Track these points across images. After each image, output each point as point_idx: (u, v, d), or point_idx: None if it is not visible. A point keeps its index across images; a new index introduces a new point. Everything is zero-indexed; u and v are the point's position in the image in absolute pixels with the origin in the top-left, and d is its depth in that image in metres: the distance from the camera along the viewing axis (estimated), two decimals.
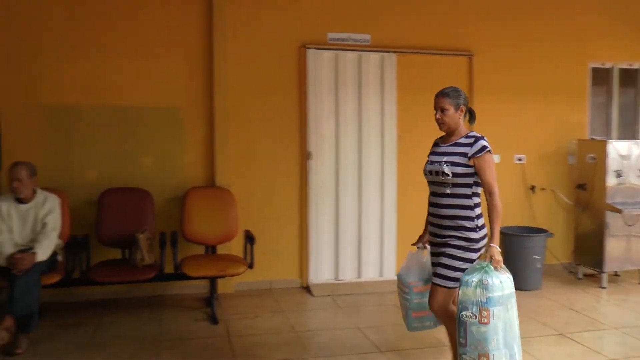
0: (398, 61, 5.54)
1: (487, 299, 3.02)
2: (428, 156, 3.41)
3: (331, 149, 5.49)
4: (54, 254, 4.32)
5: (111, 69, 5.00)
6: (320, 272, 5.53)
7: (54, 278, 4.28)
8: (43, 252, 4.10)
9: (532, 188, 6.15)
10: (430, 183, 3.37)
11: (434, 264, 3.38)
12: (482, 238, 3.25)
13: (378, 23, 5.53)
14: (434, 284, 3.31)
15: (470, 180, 3.23)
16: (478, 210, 3.24)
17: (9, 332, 3.86)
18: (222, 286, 5.16)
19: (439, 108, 3.29)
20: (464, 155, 3.23)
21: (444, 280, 3.24)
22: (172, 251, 4.66)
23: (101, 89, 5.01)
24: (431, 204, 3.38)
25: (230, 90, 5.16)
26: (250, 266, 4.73)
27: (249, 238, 4.85)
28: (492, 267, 3.06)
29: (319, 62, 5.33)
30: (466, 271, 3.15)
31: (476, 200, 3.25)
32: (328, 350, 4.01)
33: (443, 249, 3.28)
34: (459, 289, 3.09)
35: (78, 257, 4.58)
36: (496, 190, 3.18)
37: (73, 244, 4.59)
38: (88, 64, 4.96)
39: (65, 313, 4.72)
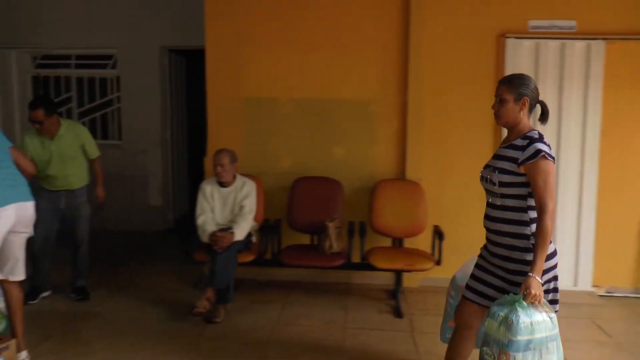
0: (606, 50, 5.00)
1: (508, 341, 2.55)
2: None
3: None
4: (249, 235, 4.61)
5: (307, 63, 5.17)
6: None
7: (249, 257, 4.57)
8: (240, 233, 4.39)
9: None
10: (485, 191, 2.89)
11: (474, 275, 2.95)
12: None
13: (585, 7, 5.02)
14: (464, 297, 2.95)
15: (523, 191, 2.70)
16: (535, 227, 2.66)
17: (210, 302, 4.25)
18: (407, 280, 5.09)
19: (498, 97, 2.81)
20: (514, 160, 2.70)
21: (478, 297, 2.87)
22: (360, 241, 4.70)
23: (298, 82, 5.20)
24: (485, 215, 2.89)
25: (424, 82, 5.05)
26: (438, 262, 4.60)
27: (438, 234, 4.72)
28: (524, 304, 2.55)
29: (518, 52, 5.01)
30: (497, 301, 2.70)
31: (534, 214, 2.68)
32: None
33: (491, 267, 2.84)
34: (486, 318, 2.69)
35: (270, 239, 4.82)
36: (550, 207, 2.58)
37: (266, 227, 4.84)
38: (286, 59, 5.18)
39: (256, 290, 5.01)
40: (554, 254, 2.76)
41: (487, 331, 2.64)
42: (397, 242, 4.97)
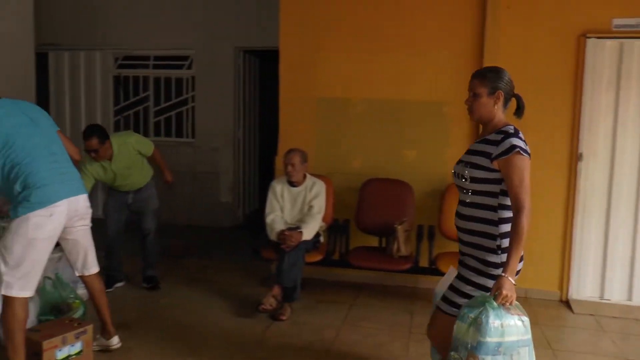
0: None
1: (477, 343, 2.41)
2: None
3: (606, 151, 4.90)
4: (317, 235, 4.63)
5: (379, 64, 5.14)
6: (583, 288, 5.01)
7: (316, 257, 4.59)
8: (308, 232, 4.41)
9: None
10: (457, 188, 2.77)
11: (451, 285, 2.78)
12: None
13: None
14: (436, 307, 2.82)
15: (495, 188, 2.57)
16: (505, 228, 2.54)
17: (276, 300, 4.29)
18: None
19: (471, 91, 2.68)
20: (488, 156, 2.57)
21: (446, 305, 2.71)
22: (428, 245, 4.65)
23: (370, 83, 5.18)
24: (455, 212, 2.76)
25: None
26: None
27: None
28: (494, 304, 2.42)
29: (600, 53, 4.78)
30: (467, 302, 2.56)
31: (505, 214, 2.56)
32: None
33: (459, 269, 2.73)
34: (455, 321, 2.54)
35: (338, 240, 4.83)
36: (526, 205, 2.45)
37: (335, 228, 4.86)
38: (359, 59, 5.16)
39: (323, 290, 5.02)
40: (517, 272, 2.58)
41: (455, 335, 2.52)
42: None
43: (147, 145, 4.93)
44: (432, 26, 5.05)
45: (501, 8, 4.87)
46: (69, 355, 3.42)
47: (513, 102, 2.76)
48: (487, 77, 2.65)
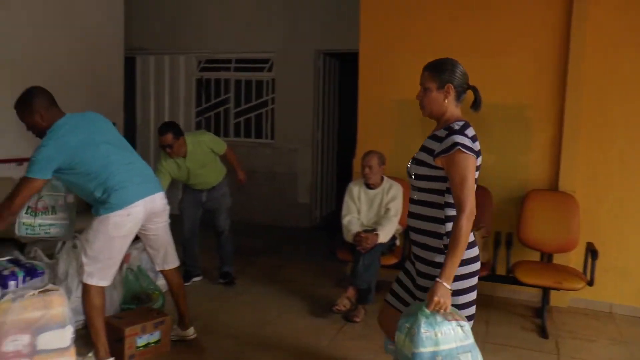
0: None
1: (412, 354, 2.29)
2: None
3: None
4: (393, 238, 4.62)
5: None
6: None
7: (391, 260, 4.58)
8: (384, 235, 4.41)
9: None
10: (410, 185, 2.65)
11: (397, 278, 2.77)
12: (458, 278, 2.41)
13: None
14: (385, 300, 2.79)
15: (441, 185, 2.44)
16: (451, 226, 2.38)
17: (351, 301, 4.33)
18: (555, 299, 4.80)
19: (422, 85, 2.56)
20: (431, 152, 2.45)
21: (393, 298, 2.71)
22: (506, 253, 4.54)
23: None
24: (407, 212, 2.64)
25: (585, 86, 4.69)
26: (590, 283, 4.29)
27: (592, 252, 4.40)
28: (427, 312, 2.29)
29: None
30: (404, 311, 2.46)
31: (451, 212, 2.41)
32: None
33: (410, 268, 2.65)
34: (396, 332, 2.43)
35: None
36: (468, 206, 2.30)
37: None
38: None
39: None
40: (474, 259, 2.49)
41: (397, 346, 2.43)
42: (546, 258, 4.72)
43: (219, 144, 5.09)
44: (511, 25, 4.91)
45: (587, 6, 4.65)
46: (148, 343, 3.60)
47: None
48: (437, 71, 2.54)
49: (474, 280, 2.51)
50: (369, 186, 4.65)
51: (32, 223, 3.84)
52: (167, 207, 3.65)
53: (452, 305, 2.37)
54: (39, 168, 3.11)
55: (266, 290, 5.03)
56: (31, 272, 3.75)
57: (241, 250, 6.09)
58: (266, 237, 7.10)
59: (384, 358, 3.69)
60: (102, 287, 3.37)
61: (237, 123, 8.16)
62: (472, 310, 2.55)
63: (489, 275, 4.44)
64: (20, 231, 3.70)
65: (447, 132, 2.44)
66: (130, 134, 8.10)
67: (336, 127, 8.48)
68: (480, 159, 2.49)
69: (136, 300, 4.16)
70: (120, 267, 4.06)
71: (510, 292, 5.00)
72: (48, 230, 3.70)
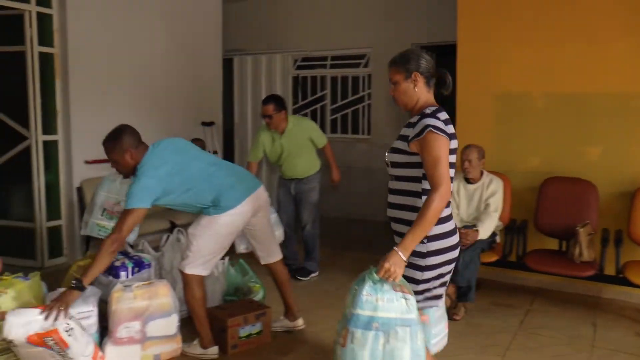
0: None
1: (350, 315, 2.30)
2: None
3: None
4: (494, 235, 4.50)
5: (561, 55, 4.82)
6: None
7: (492, 257, 4.47)
8: (484, 231, 4.30)
9: None
10: None
11: None
12: (433, 253, 2.38)
13: None
14: None
15: (417, 172, 2.42)
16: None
17: (450, 299, 4.25)
18: None
19: (391, 81, 2.54)
20: (406, 139, 2.43)
21: None
22: (615, 251, 4.28)
23: (551, 76, 4.89)
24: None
25: None
26: None
27: None
28: (375, 277, 2.28)
29: None
30: (359, 275, 2.41)
31: None
32: None
33: None
34: None
35: (515, 241, 4.64)
36: (442, 186, 2.27)
37: (512, 228, 4.67)
38: (539, 51, 4.90)
39: (498, 292, 4.86)
40: (450, 248, 2.46)
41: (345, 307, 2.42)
42: None
43: (321, 137, 5.19)
44: (618, 10, 4.62)
45: None
46: (250, 334, 3.72)
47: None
48: (400, 63, 2.52)
49: (447, 256, 2.47)
50: (468, 181, 4.55)
51: (106, 225, 4.09)
52: (269, 200, 3.79)
53: (417, 279, 2.40)
54: (140, 198, 3.21)
55: None
56: (139, 264, 3.98)
57: (339, 245, 6.18)
58: (363, 232, 7.13)
59: (484, 357, 3.62)
60: (202, 278, 3.53)
61: (333, 119, 8.24)
62: (440, 291, 2.53)
63: (595, 275, 4.23)
64: (92, 231, 3.86)
65: (419, 117, 2.44)
66: (228, 133, 8.39)
67: None
68: (455, 142, 2.47)
69: (238, 292, 4.31)
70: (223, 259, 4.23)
71: (619, 294, 4.71)
72: None
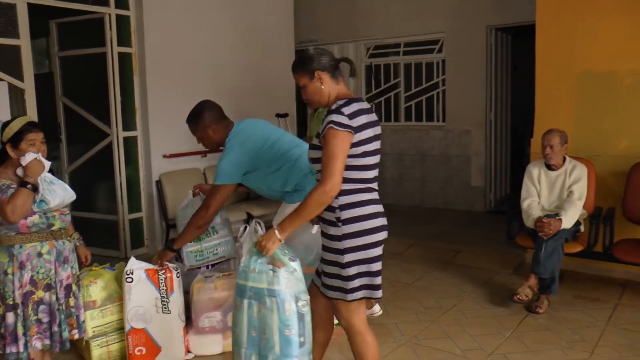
0: None
1: (235, 284, 2.62)
2: None
3: None
4: (578, 224, 4.27)
5: None
6: None
7: (576, 247, 4.25)
8: (568, 220, 4.09)
9: None
10: None
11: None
12: (350, 236, 2.44)
13: None
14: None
15: None
16: (345, 200, 2.44)
17: (532, 291, 4.10)
18: None
19: (299, 86, 2.62)
20: (319, 135, 2.51)
21: (327, 291, 2.57)
22: None
23: (637, 51, 4.60)
24: None
25: None
26: None
27: None
28: (254, 249, 2.54)
29: None
30: None
31: (343, 187, 2.42)
32: None
33: None
34: None
35: (602, 230, 4.39)
36: (329, 182, 2.36)
37: (597, 216, 4.41)
38: (626, 28, 4.60)
39: (583, 285, 4.63)
40: (370, 231, 2.48)
41: None
42: None
43: None
44: None
45: None
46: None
47: None
48: (301, 66, 2.59)
49: (370, 239, 2.48)
50: (549, 167, 4.34)
51: (199, 249, 3.95)
52: None
53: (341, 262, 2.46)
54: (228, 174, 3.28)
55: (444, 276, 4.93)
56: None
57: (414, 235, 6.09)
58: (440, 221, 6.99)
59: (571, 353, 3.46)
60: None
61: (407, 107, 8.10)
62: (358, 281, 2.51)
63: None
64: (190, 261, 3.74)
65: (327, 113, 2.49)
66: (301, 124, 8.42)
67: (509, 105, 8.05)
68: (372, 130, 2.50)
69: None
70: None
71: None
72: (216, 251, 3.75)
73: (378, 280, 2.53)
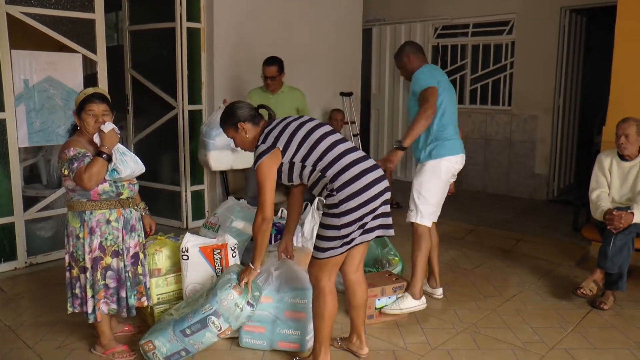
0: None
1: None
2: None
3: None
4: None
5: None
6: None
7: None
8: None
9: None
10: None
11: None
12: (345, 200, 2.67)
13: None
14: None
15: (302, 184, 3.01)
16: (338, 183, 2.70)
17: (597, 285, 3.95)
18: None
19: (230, 138, 3.02)
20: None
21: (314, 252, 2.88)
22: None
23: None
24: None
25: None
26: None
27: None
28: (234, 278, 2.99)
29: None
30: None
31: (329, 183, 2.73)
32: None
33: None
34: None
35: None
36: (264, 210, 2.79)
37: None
38: None
39: None
40: (362, 190, 2.70)
41: None
42: None
43: (305, 110, 5.30)
44: None
45: None
46: (385, 306, 3.69)
47: None
48: (225, 123, 2.97)
49: (363, 197, 2.69)
50: (623, 158, 4.15)
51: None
52: None
53: (337, 225, 2.70)
54: (429, 82, 3.60)
55: (505, 265, 4.82)
56: (281, 231, 4.07)
57: (476, 220, 5.98)
58: (501, 209, 6.83)
59: (638, 353, 3.32)
60: (429, 229, 3.76)
61: (473, 90, 7.90)
62: (356, 234, 2.78)
63: None
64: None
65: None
66: (365, 104, 8.35)
67: (580, 91, 7.73)
68: (298, 135, 2.80)
69: (377, 264, 4.31)
70: None
71: None
72: None
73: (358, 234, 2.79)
